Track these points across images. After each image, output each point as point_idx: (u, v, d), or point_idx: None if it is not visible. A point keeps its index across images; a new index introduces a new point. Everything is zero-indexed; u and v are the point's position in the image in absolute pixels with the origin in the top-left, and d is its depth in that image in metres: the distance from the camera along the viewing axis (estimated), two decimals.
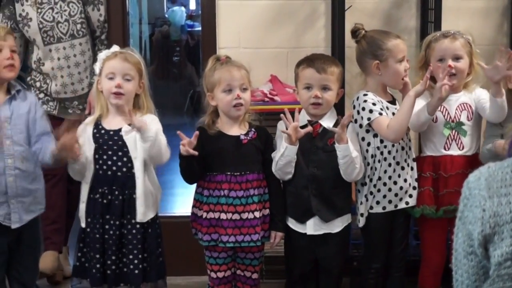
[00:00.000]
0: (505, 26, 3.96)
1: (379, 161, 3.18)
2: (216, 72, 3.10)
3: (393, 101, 3.27)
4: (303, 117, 3.15)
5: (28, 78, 3.90)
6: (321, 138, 3.15)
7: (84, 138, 3.07)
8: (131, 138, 3.07)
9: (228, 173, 3.07)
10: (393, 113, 3.19)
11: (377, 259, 3.29)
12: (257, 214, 3.08)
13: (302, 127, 3.11)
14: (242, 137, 3.11)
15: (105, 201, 3.06)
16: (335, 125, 3.12)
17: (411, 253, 3.57)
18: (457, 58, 3.22)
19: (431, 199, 3.23)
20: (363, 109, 3.15)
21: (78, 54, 3.83)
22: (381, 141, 3.18)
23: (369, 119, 3.14)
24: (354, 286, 3.60)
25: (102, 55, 3.14)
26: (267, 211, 3.15)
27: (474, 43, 3.27)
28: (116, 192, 3.06)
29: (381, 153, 3.18)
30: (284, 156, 3.06)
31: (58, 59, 3.80)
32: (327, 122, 3.16)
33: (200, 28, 5.36)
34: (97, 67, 3.14)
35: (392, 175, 3.19)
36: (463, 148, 3.25)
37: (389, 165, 3.19)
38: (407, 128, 3.13)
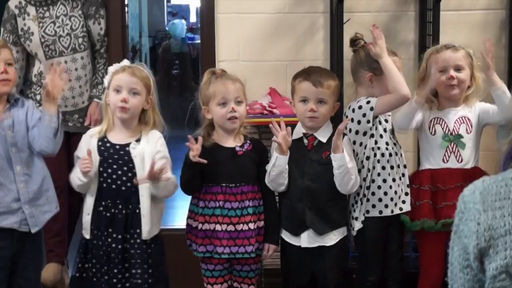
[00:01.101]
0: (503, 39, 3.97)
1: (372, 162, 3.19)
2: (211, 85, 3.12)
3: None
4: (298, 130, 3.17)
5: (28, 92, 3.92)
6: (316, 151, 3.16)
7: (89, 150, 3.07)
8: (138, 156, 3.07)
9: (223, 184, 3.09)
10: (386, 120, 3.21)
11: (373, 272, 3.29)
12: (251, 225, 3.10)
13: (298, 140, 3.13)
14: (238, 148, 3.12)
15: (108, 214, 3.06)
16: (331, 138, 3.12)
17: (410, 265, 3.57)
18: (458, 69, 3.24)
19: (430, 212, 3.23)
20: (360, 107, 3.17)
21: (79, 68, 3.85)
22: (375, 142, 3.18)
23: (372, 108, 3.14)
24: None
25: (112, 68, 3.16)
26: (262, 223, 3.16)
27: (475, 56, 3.29)
28: (120, 206, 3.06)
29: (375, 154, 3.18)
30: (275, 166, 3.07)
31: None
32: (322, 135, 3.17)
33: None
34: (106, 80, 3.16)
35: (387, 178, 3.20)
36: (461, 161, 3.26)
37: (383, 168, 3.19)
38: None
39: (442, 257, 3.30)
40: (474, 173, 3.19)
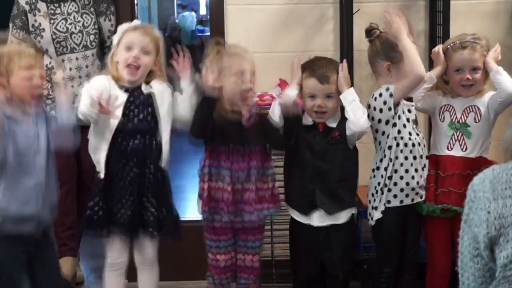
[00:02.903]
0: None
1: (395, 152, 3.17)
2: (226, 58, 3.11)
3: (408, 98, 3.26)
4: (306, 119, 3.18)
5: None
6: (327, 133, 3.17)
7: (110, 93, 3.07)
8: (156, 93, 3.12)
9: (231, 145, 3.09)
10: (409, 110, 3.20)
11: (390, 263, 3.27)
12: (253, 187, 3.11)
13: (309, 127, 3.15)
14: (244, 121, 3.11)
15: (128, 148, 3.08)
16: (341, 121, 3.16)
17: (423, 255, 3.56)
18: (474, 69, 3.24)
19: (433, 196, 3.24)
20: (380, 95, 3.16)
21: (90, 65, 3.84)
22: (398, 132, 3.17)
23: (391, 95, 3.12)
24: None
25: (123, 26, 3.15)
26: (265, 185, 3.16)
27: (489, 46, 3.28)
28: (139, 136, 3.08)
29: (397, 144, 3.16)
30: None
31: (70, 69, 3.82)
32: (333, 122, 3.18)
33: None
34: (115, 38, 3.16)
35: (410, 168, 3.18)
36: (466, 149, 3.25)
37: (406, 158, 3.18)
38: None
39: (448, 246, 3.29)
40: (478, 163, 3.18)
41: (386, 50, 3.19)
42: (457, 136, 3.27)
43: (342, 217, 3.20)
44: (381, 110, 3.15)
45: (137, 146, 3.09)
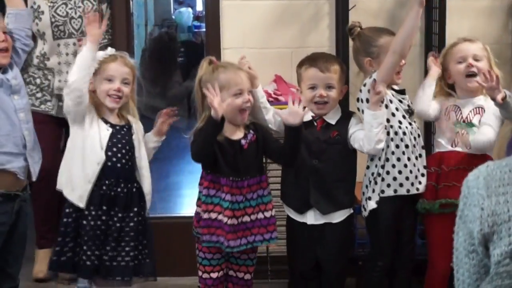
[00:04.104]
0: (510, 25, 3.95)
1: (386, 141, 3.16)
2: (222, 75, 3.03)
3: (401, 91, 3.26)
4: (307, 114, 3.17)
5: (25, 76, 3.85)
6: (324, 131, 3.16)
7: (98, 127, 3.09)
8: (136, 139, 3.14)
9: (230, 178, 3.02)
10: (400, 100, 3.19)
11: (383, 256, 3.27)
12: (253, 217, 3.07)
13: (307, 124, 3.12)
14: (243, 142, 3.06)
15: (113, 193, 3.07)
16: (340, 120, 3.16)
17: (417, 252, 3.55)
18: (476, 59, 3.23)
19: (431, 194, 3.23)
20: (364, 85, 3.17)
21: None
22: (388, 121, 3.16)
23: (374, 80, 3.09)
24: (360, 285, 3.60)
25: (99, 56, 3.12)
26: (262, 215, 3.10)
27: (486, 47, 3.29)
28: (122, 185, 3.09)
29: (388, 133, 3.16)
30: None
31: (67, 54, 3.81)
32: (332, 118, 3.19)
33: None
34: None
35: (401, 157, 3.17)
36: (470, 148, 3.25)
37: (397, 146, 3.17)
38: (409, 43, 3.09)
39: (450, 245, 3.27)
40: (483, 159, 3.17)
41: (365, 47, 3.21)
42: (462, 134, 3.26)
43: (337, 217, 3.20)
44: (367, 100, 3.14)
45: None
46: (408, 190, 3.21)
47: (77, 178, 3.07)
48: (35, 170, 3.17)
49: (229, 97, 3.00)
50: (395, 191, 3.19)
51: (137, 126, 3.21)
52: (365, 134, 3.09)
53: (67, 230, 3.09)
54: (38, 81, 3.87)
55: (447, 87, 3.34)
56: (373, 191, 3.20)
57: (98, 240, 3.05)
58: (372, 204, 3.20)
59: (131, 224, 3.09)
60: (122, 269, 3.09)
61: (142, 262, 3.15)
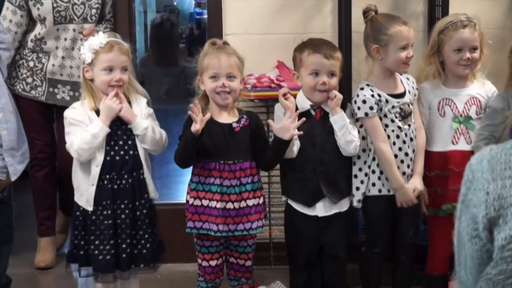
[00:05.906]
0: None
1: (371, 142, 3.18)
2: (206, 57, 3.09)
3: (401, 94, 3.23)
4: (302, 102, 3.15)
5: (17, 57, 3.84)
6: (324, 122, 3.15)
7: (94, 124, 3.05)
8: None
9: (221, 161, 3.04)
10: (393, 106, 3.17)
11: (378, 243, 3.29)
12: (250, 202, 3.07)
13: (304, 112, 3.13)
14: (235, 125, 3.08)
15: (115, 186, 3.06)
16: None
17: (419, 238, 3.55)
18: (474, 48, 3.21)
19: (434, 201, 3.25)
20: (355, 102, 3.18)
21: (84, 40, 3.81)
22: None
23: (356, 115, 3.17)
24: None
25: (94, 45, 3.05)
26: (260, 200, 3.11)
27: (481, 28, 3.25)
28: (126, 176, 3.07)
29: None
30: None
31: (65, 39, 3.79)
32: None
33: None
34: (87, 56, 3.06)
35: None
36: (471, 142, 3.23)
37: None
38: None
39: (451, 229, 3.26)
40: None
41: (374, 33, 3.18)
42: (461, 130, 3.24)
43: (345, 205, 3.21)
44: (358, 108, 3.16)
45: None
46: (389, 190, 3.22)
47: (83, 184, 3.09)
48: (15, 169, 3.02)
49: (206, 79, 3.06)
50: (380, 190, 3.21)
51: (138, 103, 3.14)
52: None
53: (79, 227, 3.11)
54: (31, 63, 3.85)
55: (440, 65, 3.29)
56: (362, 182, 3.22)
57: (108, 235, 3.05)
58: (357, 196, 3.22)
59: (144, 211, 3.10)
60: (144, 256, 3.11)
61: (155, 248, 3.16)
